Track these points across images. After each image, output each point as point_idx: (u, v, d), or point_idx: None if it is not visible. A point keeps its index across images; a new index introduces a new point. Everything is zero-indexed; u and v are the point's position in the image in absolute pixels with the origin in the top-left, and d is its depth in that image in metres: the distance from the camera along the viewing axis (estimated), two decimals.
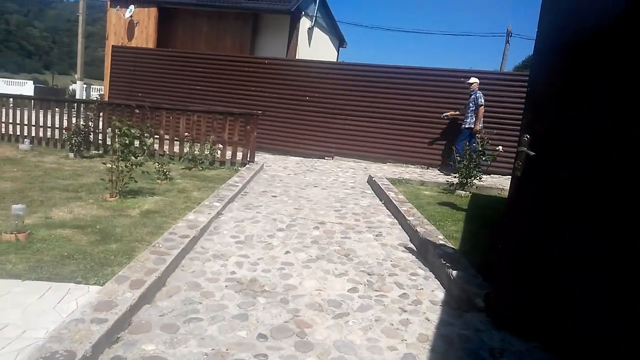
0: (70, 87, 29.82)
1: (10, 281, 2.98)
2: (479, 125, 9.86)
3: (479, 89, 10.01)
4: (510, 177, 3.00)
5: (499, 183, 9.04)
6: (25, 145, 9.17)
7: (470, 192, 7.69)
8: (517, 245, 2.89)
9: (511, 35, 27.11)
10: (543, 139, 2.73)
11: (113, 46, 14.98)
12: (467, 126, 10.05)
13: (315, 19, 18.79)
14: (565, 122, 2.67)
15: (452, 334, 2.87)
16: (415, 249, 4.68)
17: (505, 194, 3.16)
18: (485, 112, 10.43)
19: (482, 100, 9.85)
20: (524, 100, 2.98)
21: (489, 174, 9.66)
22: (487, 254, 3.93)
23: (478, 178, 7.76)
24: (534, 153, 2.74)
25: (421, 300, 3.38)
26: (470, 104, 10.00)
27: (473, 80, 10.16)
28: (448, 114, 10.66)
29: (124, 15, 17.25)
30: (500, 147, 7.90)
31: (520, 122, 2.96)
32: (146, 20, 17.15)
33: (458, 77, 11.02)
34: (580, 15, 2.58)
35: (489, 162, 7.69)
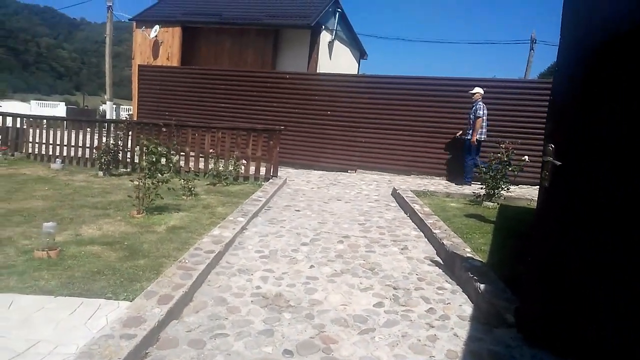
0: (101, 108, 30.65)
1: (43, 297, 3.05)
2: (476, 137, 9.77)
3: (484, 98, 9.93)
4: (538, 186, 2.95)
5: (527, 193, 8.87)
6: (57, 164, 9.42)
7: (498, 204, 7.57)
8: (546, 257, 2.83)
9: (535, 42, 26.75)
10: (566, 147, 2.69)
11: (139, 65, 15.36)
12: (468, 137, 9.98)
13: (336, 32, 18.93)
14: (586, 129, 2.62)
15: (482, 350, 2.81)
16: (441, 262, 4.62)
17: (534, 204, 3.11)
18: (510, 121, 10.38)
19: (482, 112, 9.72)
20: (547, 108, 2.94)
21: (517, 185, 9.51)
22: (517, 267, 3.86)
23: (505, 189, 7.64)
24: (560, 163, 2.69)
25: (449, 315, 3.33)
26: (471, 115, 9.92)
27: (475, 90, 9.99)
28: (460, 133, 10.55)
29: (149, 35, 17.68)
30: (527, 157, 7.76)
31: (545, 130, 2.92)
32: (170, 40, 17.55)
33: (481, 86, 10.91)
34: (602, 18, 2.54)
35: (515, 173, 7.56)
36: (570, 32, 2.72)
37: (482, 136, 9.87)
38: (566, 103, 2.75)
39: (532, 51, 26.63)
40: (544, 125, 2.99)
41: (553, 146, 2.73)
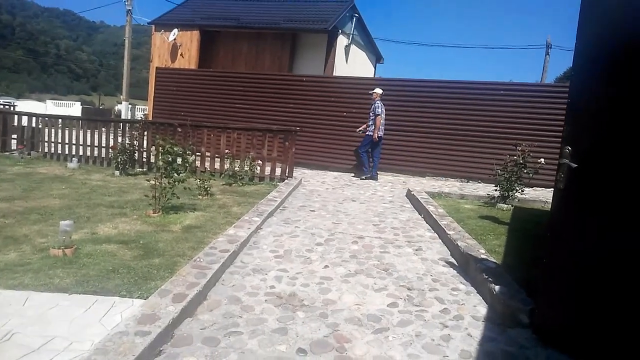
0: (116, 108, 30.98)
1: (58, 295, 3.08)
2: (377, 133, 10.55)
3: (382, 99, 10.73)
4: (553, 189, 2.93)
5: (542, 196, 8.79)
6: (73, 163, 9.54)
7: (512, 206, 7.51)
8: (562, 259, 2.80)
9: (551, 47, 26.64)
10: (585, 150, 2.66)
11: (157, 68, 15.52)
12: (368, 133, 10.71)
13: (352, 36, 18.94)
14: (603, 132, 2.60)
15: (495, 351, 2.79)
16: (456, 263, 4.59)
17: (549, 207, 3.08)
18: (526, 123, 10.38)
19: (380, 110, 10.49)
20: (564, 111, 2.90)
21: (532, 187, 9.42)
22: (531, 269, 3.82)
23: (520, 191, 7.57)
24: (576, 165, 2.67)
25: (463, 316, 3.30)
26: (371, 114, 10.69)
27: (375, 90, 10.81)
28: (361, 128, 11.09)
29: (167, 38, 17.88)
30: (542, 160, 7.69)
31: (561, 133, 2.89)
32: (189, 43, 17.72)
33: (498, 89, 10.91)
34: (620, 19, 2.52)
35: (530, 175, 7.49)
36: (587, 35, 2.70)
37: (381, 132, 10.68)
38: (583, 106, 2.73)
39: (548, 56, 26.56)
40: (560, 128, 2.98)
41: (570, 149, 2.71)
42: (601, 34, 2.63)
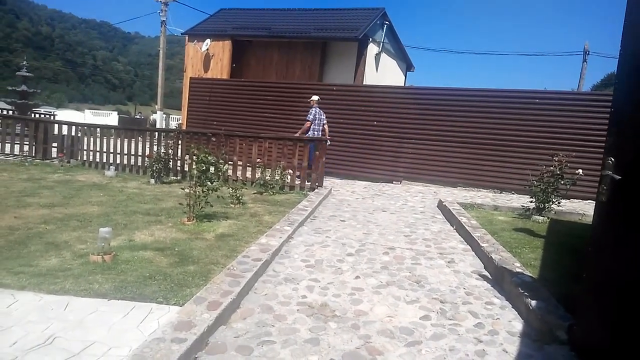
0: (151, 117, 31.65)
1: (97, 300, 3.16)
2: (298, 134, 10.64)
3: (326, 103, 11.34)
4: (591, 201, 2.85)
5: (579, 208, 8.56)
6: (110, 171, 9.77)
7: (548, 218, 7.34)
8: (604, 274, 2.72)
9: (588, 54, 25.98)
10: (630, 162, 2.58)
11: (190, 78, 15.85)
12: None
13: (383, 44, 18.93)
14: None
15: None
16: (490, 276, 4.51)
17: (587, 219, 3.01)
18: (563, 133, 10.16)
19: (311, 117, 10.81)
20: (606, 120, 2.82)
21: (568, 199, 9.19)
22: (570, 284, 3.74)
23: (556, 203, 7.40)
24: (619, 177, 2.59)
25: (498, 331, 3.25)
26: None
27: (312, 97, 11.16)
28: (298, 133, 11.06)
29: (200, 48, 18.24)
30: (580, 170, 7.50)
31: (603, 143, 2.81)
32: (221, 53, 18.03)
33: (532, 98, 10.69)
34: None
35: (568, 186, 7.31)
36: (633, 40, 2.61)
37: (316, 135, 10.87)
38: (629, 115, 2.63)
39: (585, 63, 25.88)
40: (598, 138, 2.90)
41: (613, 160, 2.63)
42: None
